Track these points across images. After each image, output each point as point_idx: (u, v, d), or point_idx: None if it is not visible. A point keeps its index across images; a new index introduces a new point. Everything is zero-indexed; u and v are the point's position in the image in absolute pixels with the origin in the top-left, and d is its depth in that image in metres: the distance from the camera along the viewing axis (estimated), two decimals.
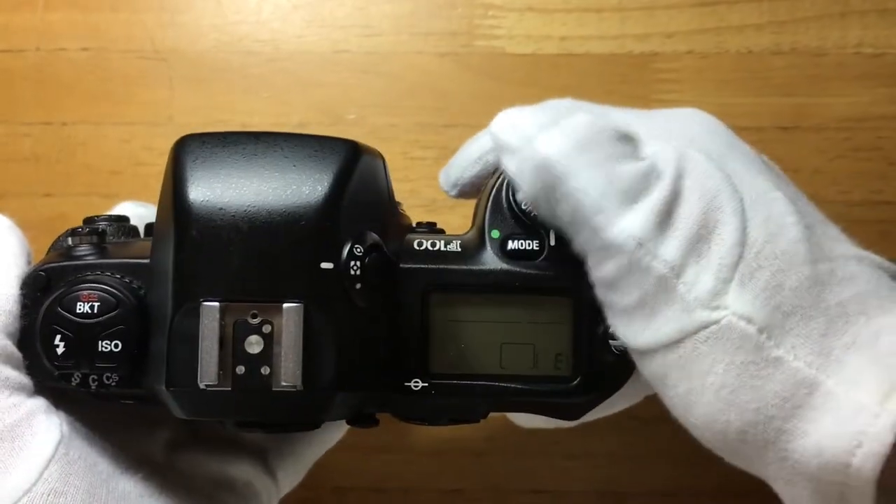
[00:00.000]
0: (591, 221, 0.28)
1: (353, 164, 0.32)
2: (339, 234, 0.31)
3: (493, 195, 0.35)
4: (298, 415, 0.32)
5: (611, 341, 0.33)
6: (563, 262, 0.33)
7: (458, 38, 0.53)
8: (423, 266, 0.34)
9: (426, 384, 0.33)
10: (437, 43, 0.53)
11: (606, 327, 0.33)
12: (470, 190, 0.38)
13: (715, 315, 0.27)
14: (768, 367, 0.26)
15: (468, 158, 0.37)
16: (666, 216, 0.27)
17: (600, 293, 0.31)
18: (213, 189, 0.30)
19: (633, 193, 0.28)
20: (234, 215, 0.29)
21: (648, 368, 0.30)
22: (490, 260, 0.34)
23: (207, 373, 0.29)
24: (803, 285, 0.26)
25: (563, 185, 0.29)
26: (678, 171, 0.28)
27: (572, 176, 0.28)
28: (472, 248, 0.35)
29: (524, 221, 0.34)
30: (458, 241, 0.35)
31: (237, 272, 0.29)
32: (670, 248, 0.27)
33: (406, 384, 0.33)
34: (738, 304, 0.26)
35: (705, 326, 0.27)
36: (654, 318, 0.28)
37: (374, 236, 0.32)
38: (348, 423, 0.35)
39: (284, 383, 0.29)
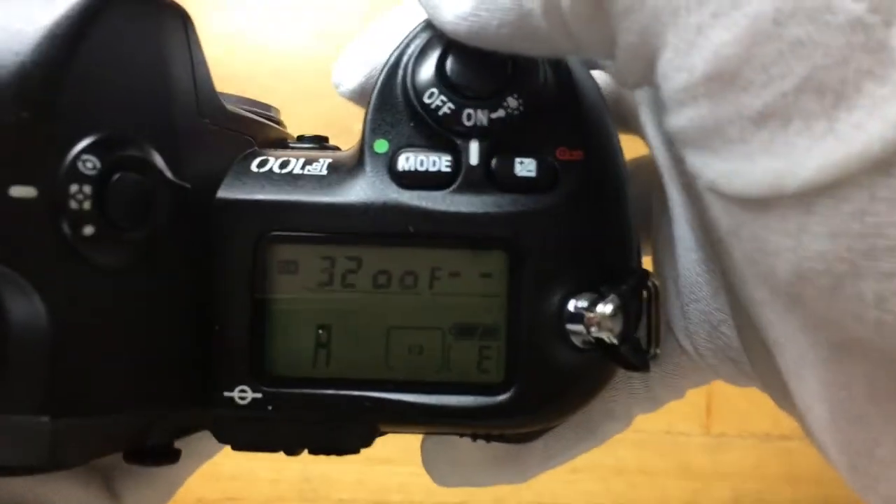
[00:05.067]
0: None
1: (96, 10, 0.19)
2: (51, 135, 0.19)
3: (382, 81, 0.23)
4: None
5: (571, 326, 0.22)
6: (493, 191, 0.22)
7: None
8: (255, 197, 0.22)
9: (259, 395, 0.22)
10: None
11: (564, 302, 0.22)
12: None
13: None
14: None
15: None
16: None
17: (692, 114, 0.19)
18: None
19: None
20: None
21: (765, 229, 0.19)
22: (371, 189, 0.22)
23: None
24: None
25: None
26: None
27: None
28: (346, 170, 0.23)
29: (429, 124, 0.22)
30: (327, 161, 0.23)
31: None
32: None
33: (226, 395, 0.22)
34: None
35: None
36: (835, 120, 0.17)
37: (134, 142, 0.20)
38: (125, 458, 0.23)
39: None
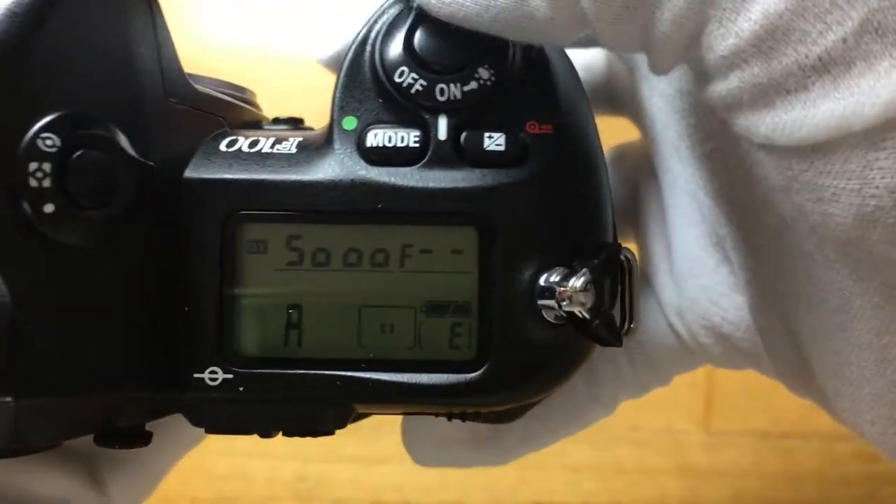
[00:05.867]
0: None
1: None
2: (10, 113, 0.19)
3: (350, 58, 0.23)
4: None
5: (542, 301, 0.22)
6: (462, 166, 0.22)
7: None
8: (223, 176, 0.22)
9: (230, 375, 0.22)
10: None
11: (536, 277, 0.22)
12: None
13: None
14: None
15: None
16: None
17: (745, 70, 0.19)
18: None
19: None
20: None
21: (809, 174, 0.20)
22: (339, 166, 0.22)
23: None
24: None
25: None
26: None
27: None
28: (315, 148, 0.23)
29: (398, 101, 0.22)
30: (297, 140, 0.23)
31: None
32: None
33: (196, 376, 0.22)
34: None
35: None
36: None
37: (96, 120, 0.20)
38: (95, 441, 0.23)
39: None
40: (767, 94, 0.19)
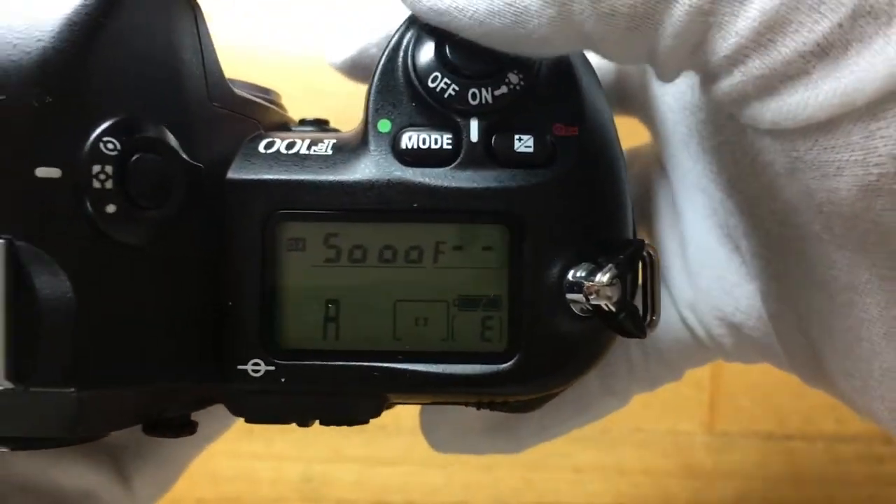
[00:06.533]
0: None
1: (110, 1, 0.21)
2: (74, 118, 0.20)
3: (383, 63, 0.24)
4: (10, 427, 0.21)
5: (570, 295, 0.23)
6: (493, 166, 0.23)
7: None
8: (264, 177, 0.23)
9: (272, 367, 0.23)
10: None
11: (564, 272, 0.23)
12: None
13: None
14: None
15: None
16: None
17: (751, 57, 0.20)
18: None
19: None
20: None
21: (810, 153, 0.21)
22: (375, 167, 0.23)
23: None
24: None
25: None
26: None
27: None
28: (350, 150, 0.24)
29: (430, 104, 0.24)
30: (332, 142, 0.24)
31: None
32: None
33: (240, 368, 0.23)
34: None
35: None
36: (891, 35, 0.19)
37: (151, 124, 0.21)
38: (144, 431, 0.25)
39: None
40: (771, 83, 0.20)
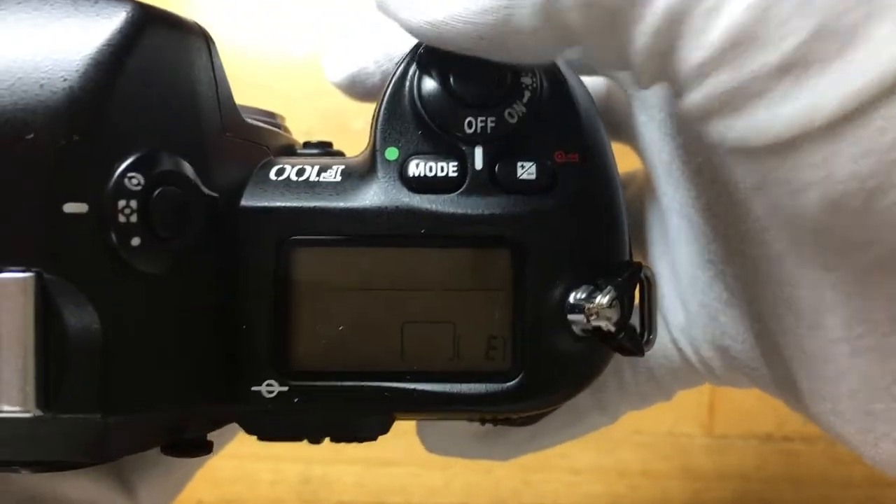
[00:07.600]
0: None
1: (133, 37, 0.22)
2: (99, 154, 0.21)
3: (390, 93, 0.25)
4: (37, 452, 0.22)
5: (572, 316, 0.24)
6: (497, 193, 0.24)
7: None
8: (276, 205, 0.24)
9: (285, 388, 0.24)
10: None
11: (565, 294, 0.24)
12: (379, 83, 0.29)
13: None
14: None
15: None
16: None
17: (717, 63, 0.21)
18: None
19: None
20: None
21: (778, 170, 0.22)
22: (384, 194, 0.24)
23: None
24: None
25: None
26: None
27: None
28: (358, 176, 0.25)
29: (436, 132, 0.25)
30: (340, 168, 0.25)
31: None
32: None
33: (254, 389, 0.24)
34: None
35: None
36: (849, 58, 0.20)
37: (171, 158, 0.22)
38: (163, 451, 0.26)
39: (6, 407, 0.20)
40: (736, 100, 0.21)
